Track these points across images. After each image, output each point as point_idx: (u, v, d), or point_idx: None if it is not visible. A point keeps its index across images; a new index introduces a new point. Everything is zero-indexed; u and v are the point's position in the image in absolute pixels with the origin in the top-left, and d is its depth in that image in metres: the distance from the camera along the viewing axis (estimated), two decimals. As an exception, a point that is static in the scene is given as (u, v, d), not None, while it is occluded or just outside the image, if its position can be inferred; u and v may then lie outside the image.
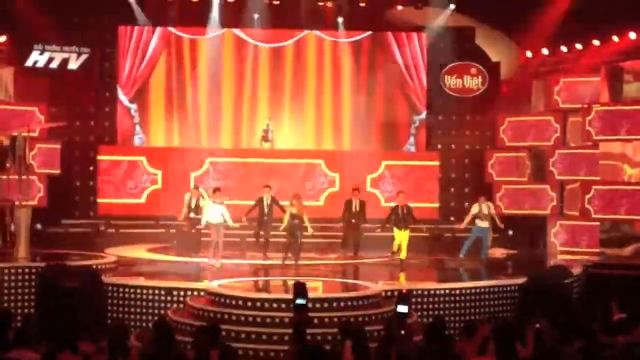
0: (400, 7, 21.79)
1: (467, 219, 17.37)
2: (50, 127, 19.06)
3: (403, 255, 16.16)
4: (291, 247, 15.80)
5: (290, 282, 12.64)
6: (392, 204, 17.30)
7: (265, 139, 20.89)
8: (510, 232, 19.73)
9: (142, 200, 20.36)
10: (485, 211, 17.26)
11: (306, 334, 9.84)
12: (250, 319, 11.52)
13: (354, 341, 8.42)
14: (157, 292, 12.98)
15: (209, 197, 15.98)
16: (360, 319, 11.46)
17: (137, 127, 21.57)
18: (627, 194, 18.00)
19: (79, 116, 20.71)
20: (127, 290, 13.09)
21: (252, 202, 17.16)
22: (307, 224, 15.88)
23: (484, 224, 17.25)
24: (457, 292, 13.29)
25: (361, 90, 22.04)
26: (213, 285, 12.76)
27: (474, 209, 17.35)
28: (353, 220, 17.43)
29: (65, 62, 20.31)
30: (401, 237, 16.23)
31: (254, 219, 17.22)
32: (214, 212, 15.44)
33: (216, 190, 15.87)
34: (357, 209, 17.49)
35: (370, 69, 22.08)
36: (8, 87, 19.88)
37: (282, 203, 16.81)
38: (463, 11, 21.44)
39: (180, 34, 21.70)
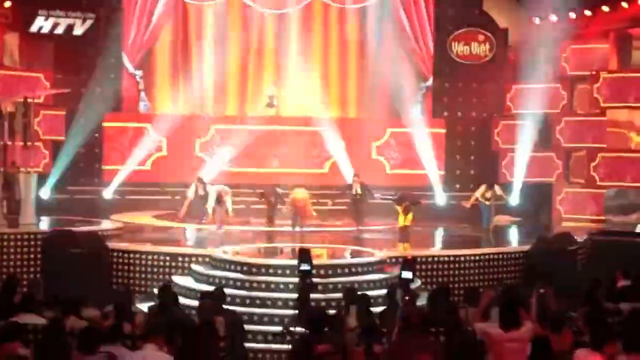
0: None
1: (472, 199, 17.12)
2: (56, 93, 19.02)
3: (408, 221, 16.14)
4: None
5: (295, 249, 12.66)
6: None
7: (270, 105, 20.84)
8: (516, 200, 19.70)
9: (148, 167, 20.36)
10: (489, 195, 17.03)
11: (311, 300, 9.90)
12: (255, 284, 11.57)
13: (358, 307, 8.45)
14: (162, 257, 13.03)
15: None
16: (364, 285, 11.50)
17: (143, 94, 21.47)
18: (633, 161, 17.96)
19: (84, 83, 20.62)
20: (132, 256, 13.14)
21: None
22: (312, 212, 15.97)
23: (487, 203, 17.05)
24: (462, 259, 13.31)
25: (367, 57, 21.88)
26: (218, 251, 12.79)
27: (479, 191, 17.11)
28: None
29: (70, 27, 20.20)
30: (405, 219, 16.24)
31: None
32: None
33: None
34: (359, 192, 17.23)
35: (377, 35, 21.87)
36: (13, 52, 19.79)
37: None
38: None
39: (186, 0, 21.53)
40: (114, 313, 8.39)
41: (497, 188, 17.30)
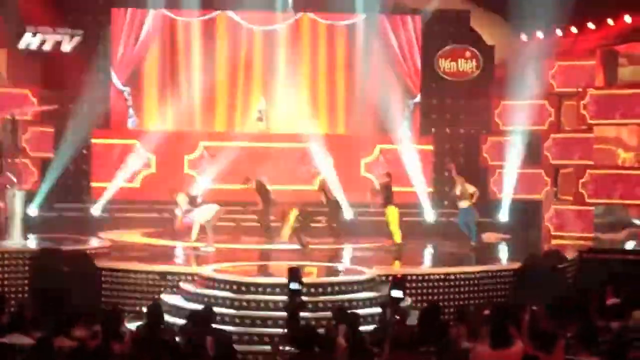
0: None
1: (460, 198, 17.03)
2: (44, 110, 18.97)
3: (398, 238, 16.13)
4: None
5: (285, 267, 12.61)
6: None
7: (260, 119, 20.89)
8: (505, 217, 19.75)
9: (136, 184, 20.30)
10: (470, 190, 16.96)
11: (300, 319, 9.86)
12: (245, 303, 11.51)
13: (348, 326, 8.42)
14: (151, 276, 12.96)
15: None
16: (354, 303, 11.46)
17: (131, 111, 21.46)
18: (621, 178, 18.02)
19: (72, 99, 20.55)
20: (121, 274, 13.06)
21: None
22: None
23: (464, 203, 16.89)
24: (452, 277, 13.28)
25: (355, 74, 21.95)
26: (207, 269, 12.74)
27: (458, 189, 16.97)
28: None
29: (58, 44, 20.18)
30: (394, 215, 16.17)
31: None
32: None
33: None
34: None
35: (365, 52, 21.97)
36: (1, 69, 19.74)
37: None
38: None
39: (174, 16, 21.56)
40: (102, 332, 8.33)
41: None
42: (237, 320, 11.22)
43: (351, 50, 21.96)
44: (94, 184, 20.29)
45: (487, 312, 9.03)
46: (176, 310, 11.69)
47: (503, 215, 19.74)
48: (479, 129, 21.30)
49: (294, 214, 15.44)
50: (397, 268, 14.34)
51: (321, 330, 8.85)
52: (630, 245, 17.24)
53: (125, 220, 18.96)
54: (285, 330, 9.90)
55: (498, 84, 21.28)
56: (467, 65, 21.44)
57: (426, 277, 13.13)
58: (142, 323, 9.51)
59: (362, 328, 8.85)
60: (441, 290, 13.06)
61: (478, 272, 13.56)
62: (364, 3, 21.38)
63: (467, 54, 21.45)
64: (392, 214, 16.18)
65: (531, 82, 20.20)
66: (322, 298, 11.54)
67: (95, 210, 19.57)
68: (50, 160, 19.46)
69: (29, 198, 17.65)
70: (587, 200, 18.02)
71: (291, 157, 20.52)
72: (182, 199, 16.12)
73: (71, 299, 11.57)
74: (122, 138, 20.68)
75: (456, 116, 21.78)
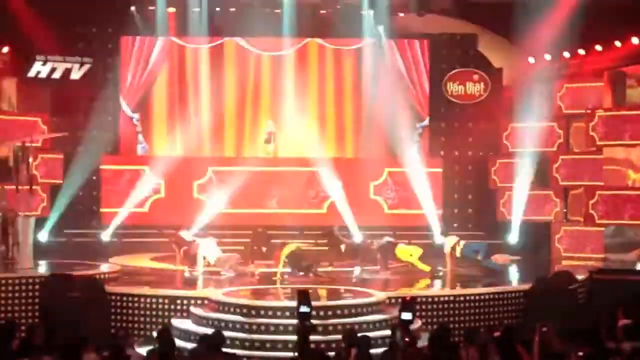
0: (401, 15, 21.82)
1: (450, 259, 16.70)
2: (53, 137, 19.10)
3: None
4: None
5: (294, 290, 12.60)
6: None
7: (268, 140, 20.95)
8: (515, 239, 19.68)
9: (145, 209, 20.34)
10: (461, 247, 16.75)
11: (310, 342, 9.84)
12: (254, 326, 11.51)
13: (358, 348, 8.40)
14: (161, 300, 12.97)
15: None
16: (364, 326, 11.44)
17: (140, 137, 21.55)
18: (631, 199, 18.00)
19: (81, 126, 20.69)
20: (131, 299, 13.08)
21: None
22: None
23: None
24: (462, 298, 13.26)
25: (363, 98, 22.01)
26: (217, 293, 12.74)
27: (450, 243, 16.71)
28: None
29: (67, 72, 20.31)
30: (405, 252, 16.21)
31: None
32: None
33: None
34: None
35: (373, 76, 22.03)
36: (11, 97, 19.91)
37: None
38: (465, 18, 21.47)
39: (182, 43, 21.71)
40: (111, 357, 8.33)
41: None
42: (247, 344, 11.22)
43: (359, 74, 22.03)
44: (103, 210, 20.35)
45: (497, 333, 9.00)
46: (186, 335, 11.71)
47: (513, 237, 19.68)
48: (487, 151, 21.32)
49: (286, 250, 15.44)
50: (407, 290, 14.30)
51: (331, 354, 8.85)
52: None
53: (135, 245, 19.00)
54: (296, 354, 9.88)
55: (506, 107, 21.33)
56: (475, 88, 21.50)
57: (436, 299, 13.10)
58: (153, 348, 9.50)
59: (372, 351, 8.81)
60: (451, 312, 13.03)
61: (488, 294, 13.52)
62: (370, 28, 21.49)
63: (475, 77, 21.52)
64: (401, 252, 16.22)
65: (539, 104, 20.24)
66: (332, 321, 11.53)
67: (105, 235, 19.64)
68: (60, 186, 19.56)
69: (39, 224, 17.75)
70: (598, 221, 17.99)
71: (300, 181, 20.55)
72: (185, 234, 16.26)
73: (81, 324, 11.59)
74: (132, 164, 20.76)
75: (465, 139, 21.80)
